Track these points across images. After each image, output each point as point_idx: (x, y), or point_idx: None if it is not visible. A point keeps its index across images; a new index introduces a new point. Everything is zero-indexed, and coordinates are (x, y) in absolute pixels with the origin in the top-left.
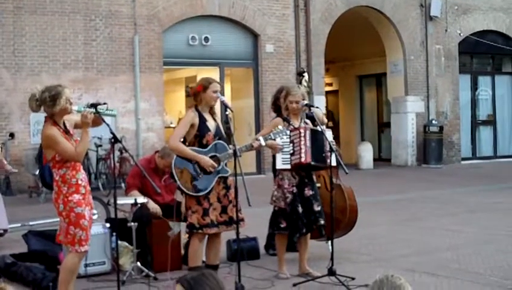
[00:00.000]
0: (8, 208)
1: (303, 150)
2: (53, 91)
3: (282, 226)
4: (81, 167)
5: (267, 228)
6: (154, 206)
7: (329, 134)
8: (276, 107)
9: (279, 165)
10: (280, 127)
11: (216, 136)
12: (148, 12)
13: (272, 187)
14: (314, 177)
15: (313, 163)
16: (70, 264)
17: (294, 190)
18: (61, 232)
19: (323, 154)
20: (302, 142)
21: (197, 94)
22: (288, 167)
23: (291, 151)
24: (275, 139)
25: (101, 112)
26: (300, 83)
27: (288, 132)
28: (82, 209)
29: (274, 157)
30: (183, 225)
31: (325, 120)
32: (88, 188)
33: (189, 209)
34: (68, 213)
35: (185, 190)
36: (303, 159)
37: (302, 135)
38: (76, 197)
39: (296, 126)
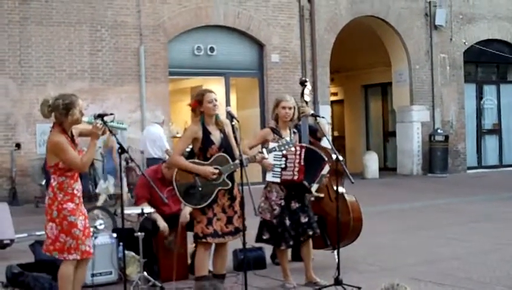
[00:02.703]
0: (14, 218)
1: (296, 168)
2: (67, 100)
3: (264, 237)
4: (79, 176)
5: None
6: (162, 225)
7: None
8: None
9: (269, 178)
10: (288, 138)
11: (221, 149)
12: (154, 22)
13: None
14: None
15: (304, 182)
16: (63, 272)
17: (282, 202)
18: (48, 241)
19: (314, 174)
20: (297, 161)
21: (194, 110)
22: (278, 180)
23: (283, 166)
24: (279, 150)
25: (111, 124)
26: (303, 92)
27: (293, 144)
28: (75, 219)
29: None
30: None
31: (326, 131)
32: (81, 199)
33: (195, 220)
34: (61, 220)
35: (185, 202)
36: (295, 178)
37: (298, 153)
38: (70, 205)
39: (286, 137)
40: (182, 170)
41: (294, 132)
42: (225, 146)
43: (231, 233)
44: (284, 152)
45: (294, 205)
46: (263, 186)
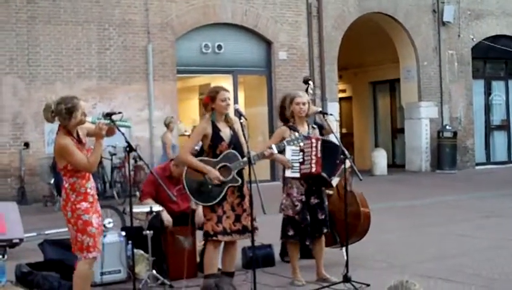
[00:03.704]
0: (23, 217)
1: (314, 161)
2: (69, 104)
3: (289, 234)
4: (91, 175)
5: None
6: (167, 218)
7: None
8: (284, 117)
9: (288, 174)
10: (296, 134)
11: (231, 145)
12: (162, 20)
13: (281, 195)
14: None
15: (323, 174)
16: (82, 271)
17: (303, 198)
18: (72, 241)
19: (334, 167)
20: (313, 153)
21: (206, 105)
22: (297, 175)
23: (301, 160)
24: (289, 145)
25: (117, 124)
26: (307, 90)
27: (302, 139)
28: (89, 217)
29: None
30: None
31: (334, 128)
32: (96, 196)
33: (205, 217)
34: (76, 220)
35: (195, 200)
36: (313, 170)
37: (314, 145)
38: (84, 205)
39: (304, 133)
40: (191, 168)
41: (313, 127)
42: (234, 143)
43: (239, 231)
44: (304, 143)
45: (314, 200)
46: (271, 184)
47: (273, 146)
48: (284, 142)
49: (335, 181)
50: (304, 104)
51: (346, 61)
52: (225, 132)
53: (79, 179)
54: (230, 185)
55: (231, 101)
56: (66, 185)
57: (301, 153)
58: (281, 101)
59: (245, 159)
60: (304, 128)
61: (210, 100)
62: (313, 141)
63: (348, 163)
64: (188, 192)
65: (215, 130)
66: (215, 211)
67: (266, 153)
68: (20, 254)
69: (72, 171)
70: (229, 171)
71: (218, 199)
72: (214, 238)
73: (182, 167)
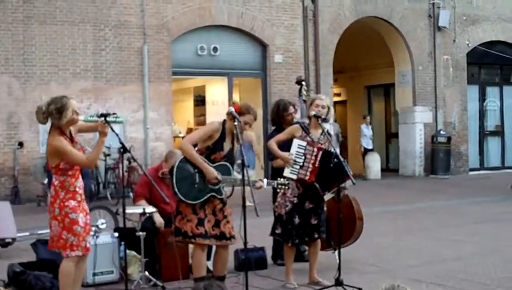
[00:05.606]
0: (16, 217)
1: (310, 169)
2: (59, 103)
3: (277, 232)
4: (80, 174)
5: (273, 239)
6: (158, 220)
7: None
8: (275, 122)
9: (287, 173)
10: (283, 181)
11: (224, 158)
12: (157, 22)
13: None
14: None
15: (315, 184)
16: (64, 268)
17: (295, 200)
18: (53, 238)
19: (330, 183)
20: (312, 161)
21: (232, 113)
22: (295, 177)
23: (301, 164)
24: (276, 187)
25: (109, 120)
26: (300, 91)
27: (289, 185)
28: (76, 215)
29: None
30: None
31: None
32: (83, 196)
33: (185, 217)
34: (63, 218)
35: (176, 189)
36: (307, 178)
37: (314, 154)
38: (72, 203)
39: (315, 137)
40: (186, 160)
41: (329, 134)
42: (228, 157)
43: (216, 237)
44: (308, 149)
45: (308, 205)
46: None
47: (265, 181)
48: (274, 183)
49: (327, 196)
50: (323, 107)
51: (341, 65)
52: (227, 144)
53: (69, 177)
54: (213, 194)
55: (246, 127)
56: (56, 183)
57: (303, 157)
58: (282, 110)
59: (237, 177)
60: (317, 132)
61: (239, 111)
62: (315, 149)
63: (348, 183)
64: (174, 180)
65: (222, 137)
66: (197, 213)
67: (257, 185)
68: (13, 253)
69: (63, 170)
70: (218, 183)
71: (195, 201)
72: (193, 240)
73: (169, 161)
